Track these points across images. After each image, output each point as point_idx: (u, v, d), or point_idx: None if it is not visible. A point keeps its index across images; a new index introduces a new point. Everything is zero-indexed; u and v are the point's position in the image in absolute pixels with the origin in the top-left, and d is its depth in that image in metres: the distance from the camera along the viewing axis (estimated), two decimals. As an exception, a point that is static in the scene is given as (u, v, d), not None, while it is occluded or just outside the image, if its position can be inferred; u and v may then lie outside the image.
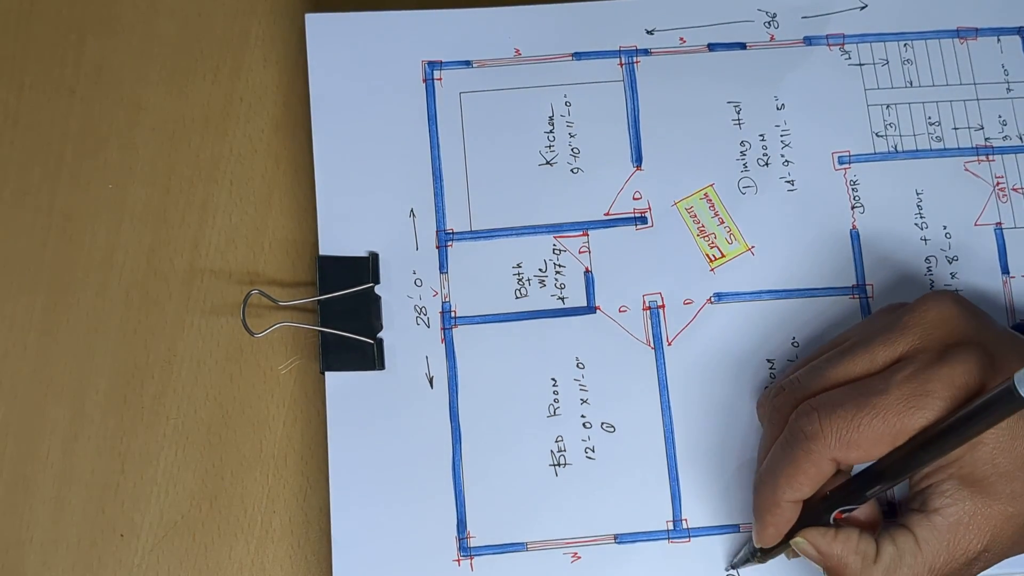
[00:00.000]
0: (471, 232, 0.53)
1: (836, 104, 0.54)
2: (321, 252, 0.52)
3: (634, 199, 0.53)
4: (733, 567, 0.50)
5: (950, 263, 0.53)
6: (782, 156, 0.54)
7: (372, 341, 0.51)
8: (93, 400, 0.53)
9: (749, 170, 0.54)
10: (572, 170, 0.53)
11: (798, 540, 0.45)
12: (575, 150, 0.54)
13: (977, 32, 0.55)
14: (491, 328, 0.52)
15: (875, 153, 0.54)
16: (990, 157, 0.54)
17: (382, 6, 0.55)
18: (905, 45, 0.55)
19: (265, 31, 0.57)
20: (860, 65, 0.55)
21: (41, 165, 0.55)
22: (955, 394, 0.43)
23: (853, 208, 0.53)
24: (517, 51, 0.54)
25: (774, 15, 0.55)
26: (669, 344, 0.52)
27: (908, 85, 0.54)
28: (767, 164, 0.54)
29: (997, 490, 0.43)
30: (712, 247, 0.53)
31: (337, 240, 0.52)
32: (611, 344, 0.52)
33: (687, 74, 0.54)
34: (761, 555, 0.48)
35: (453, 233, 0.53)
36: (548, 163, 0.53)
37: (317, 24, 0.54)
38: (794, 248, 0.53)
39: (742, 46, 0.55)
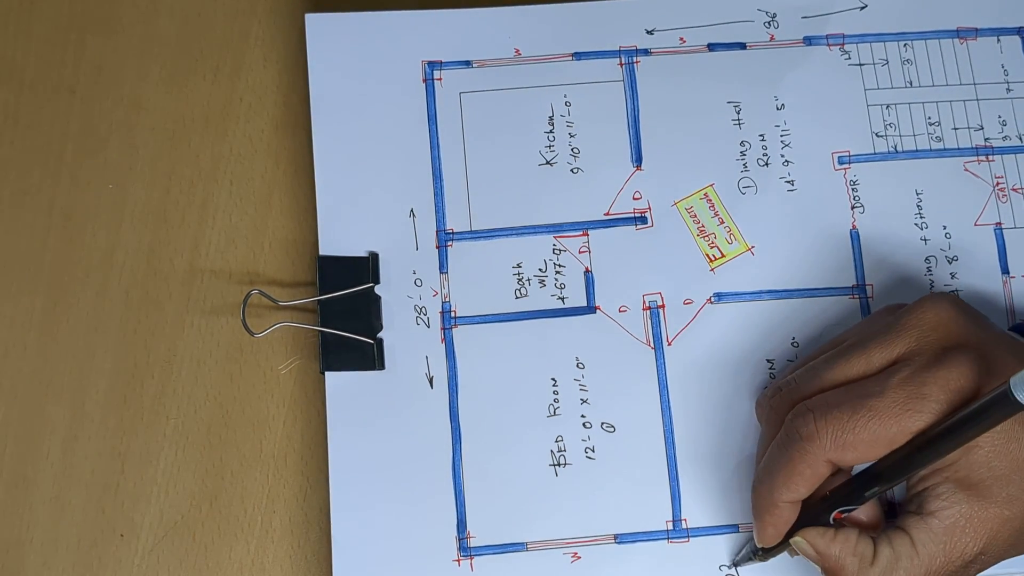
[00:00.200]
0: (471, 232, 0.53)
1: (836, 104, 0.54)
2: (321, 252, 0.52)
3: (634, 199, 0.53)
4: (735, 565, 0.50)
5: (950, 263, 0.53)
6: (782, 156, 0.54)
7: (372, 341, 0.51)
8: (93, 400, 0.53)
9: (749, 170, 0.54)
10: (572, 170, 0.53)
11: (797, 540, 0.45)
12: (575, 150, 0.54)
13: (977, 32, 0.55)
14: (491, 328, 0.52)
15: (875, 153, 0.54)
16: (990, 157, 0.54)
17: (382, 6, 0.55)
18: (905, 45, 0.55)
19: (265, 31, 0.57)
20: (860, 65, 0.55)
21: (41, 165, 0.55)
22: (951, 398, 0.43)
23: (853, 208, 0.53)
24: (517, 51, 0.54)
25: (774, 15, 0.55)
26: (669, 344, 0.52)
27: (908, 85, 0.54)
28: (767, 164, 0.54)
29: (993, 493, 0.43)
30: (712, 247, 0.53)
31: (337, 240, 0.52)
32: (611, 344, 0.52)
33: (687, 74, 0.54)
34: (763, 554, 0.48)
35: (453, 233, 0.53)
36: (548, 163, 0.53)
37: (317, 24, 0.54)
38: (794, 248, 0.53)
39: (742, 46, 0.55)
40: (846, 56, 0.55)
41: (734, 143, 0.54)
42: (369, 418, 0.51)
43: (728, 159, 0.54)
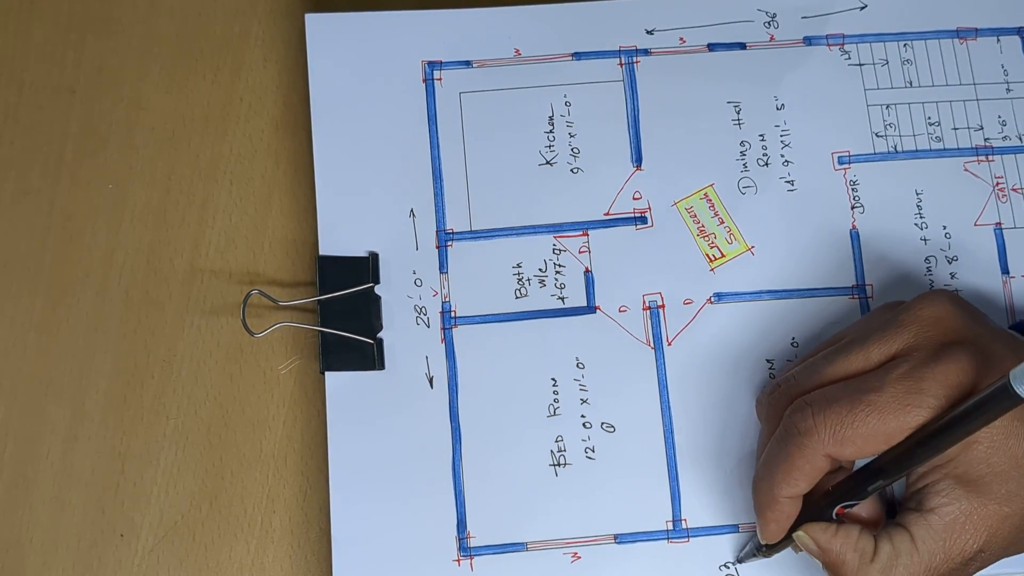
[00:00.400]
0: (471, 232, 0.53)
1: (836, 104, 0.54)
2: (321, 252, 0.52)
3: (634, 199, 0.53)
4: (739, 561, 0.50)
5: (950, 263, 0.53)
6: (782, 156, 0.54)
7: (372, 341, 0.51)
8: (93, 400, 0.53)
9: (749, 170, 0.54)
10: (572, 170, 0.53)
11: (799, 534, 0.46)
12: (575, 150, 0.54)
13: (977, 32, 0.55)
14: (491, 328, 0.52)
15: (875, 153, 0.54)
16: (990, 157, 0.54)
17: (382, 6, 0.55)
18: (905, 45, 0.55)
19: (265, 31, 0.57)
20: (860, 65, 0.55)
21: (41, 165, 0.55)
22: (949, 393, 0.43)
23: (853, 208, 0.53)
24: (517, 51, 0.54)
25: (774, 15, 0.55)
26: (669, 344, 0.52)
27: (908, 85, 0.54)
28: (767, 164, 0.54)
29: (992, 490, 0.43)
30: (712, 247, 0.53)
31: (337, 240, 0.52)
32: (611, 344, 0.52)
33: (687, 74, 0.54)
34: (766, 550, 0.48)
35: (453, 233, 0.53)
36: (548, 163, 0.53)
37: (317, 24, 0.54)
38: (794, 248, 0.53)
39: (742, 46, 0.55)
40: (846, 56, 0.55)
41: (734, 143, 0.54)
42: (369, 418, 0.51)
43: (728, 159, 0.54)
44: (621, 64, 0.54)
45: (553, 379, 0.51)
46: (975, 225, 0.53)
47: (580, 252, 0.53)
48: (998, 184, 0.54)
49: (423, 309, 0.52)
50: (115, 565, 0.52)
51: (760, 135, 0.54)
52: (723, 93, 0.54)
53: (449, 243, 0.53)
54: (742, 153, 0.54)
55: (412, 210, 0.53)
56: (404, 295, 0.52)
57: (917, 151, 0.54)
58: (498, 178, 0.53)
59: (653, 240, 0.53)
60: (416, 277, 0.52)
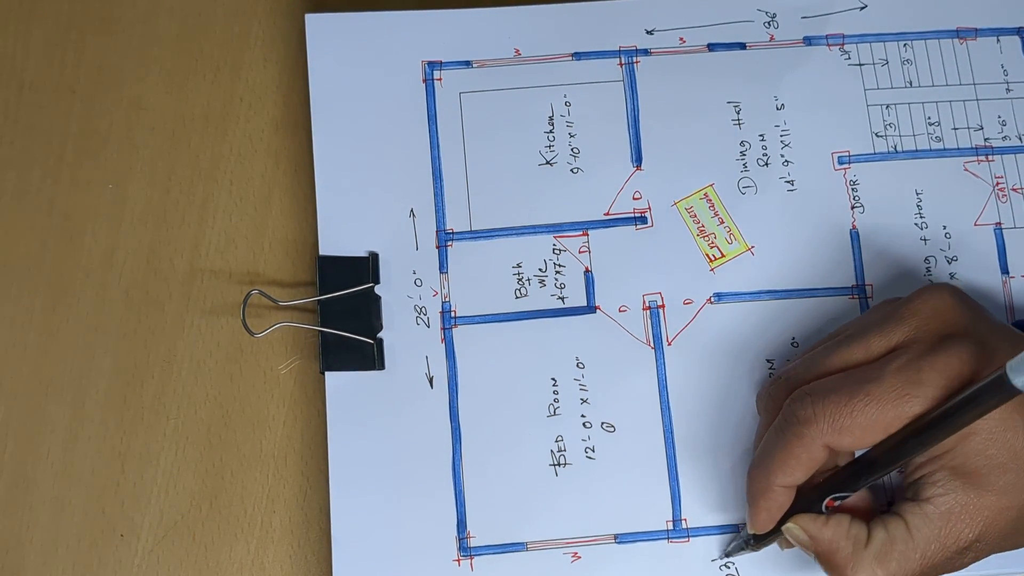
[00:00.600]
0: (471, 232, 0.53)
1: (836, 104, 0.54)
2: (321, 252, 0.52)
3: (634, 199, 0.53)
4: (727, 555, 0.50)
5: (950, 263, 0.53)
6: (782, 156, 0.54)
7: (372, 341, 0.51)
8: (93, 400, 0.53)
9: (749, 170, 0.54)
10: (572, 170, 0.53)
11: (789, 526, 0.46)
12: (575, 150, 0.54)
13: (977, 32, 0.55)
14: (491, 328, 0.52)
15: (875, 153, 0.54)
16: (990, 157, 0.54)
17: (382, 6, 0.55)
18: (905, 45, 0.55)
19: (265, 31, 0.57)
20: (860, 65, 0.55)
21: (41, 165, 0.55)
22: (948, 383, 0.43)
23: (853, 208, 0.53)
24: (517, 51, 0.54)
25: (774, 15, 0.55)
26: (669, 344, 0.52)
27: (908, 85, 0.54)
28: (767, 164, 0.54)
29: (990, 482, 0.43)
30: (712, 247, 0.53)
31: (337, 240, 0.52)
32: (611, 344, 0.52)
33: (687, 74, 0.54)
34: (755, 543, 0.48)
35: (453, 233, 0.53)
36: (548, 163, 0.54)
37: (317, 24, 0.54)
38: (794, 248, 0.53)
39: (742, 46, 0.55)
40: (846, 56, 0.55)
41: (734, 143, 0.54)
42: (369, 418, 0.51)
43: (728, 159, 0.54)
44: (621, 64, 0.54)
45: (553, 379, 0.51)
46: (975, 225, 0.53)
47: (580, 252, 0.53)
48: (998, 184, 0.54)
49: (423, 309, 0.52)
50: (115, 565, 0.52)
51: (760, 135, 0.54)
52: (723, 93, 0.54)
53: (449, 243, 0.53)
54: (742, 153, 0.54)
55: (412, 210, 0.53)
56: (404, 295, 0.52)
57: (917, 151, 0.54)
58: (498, 178, 0.53)
59: (653, 240, 0.53)
60: (416, 277, 0.52)
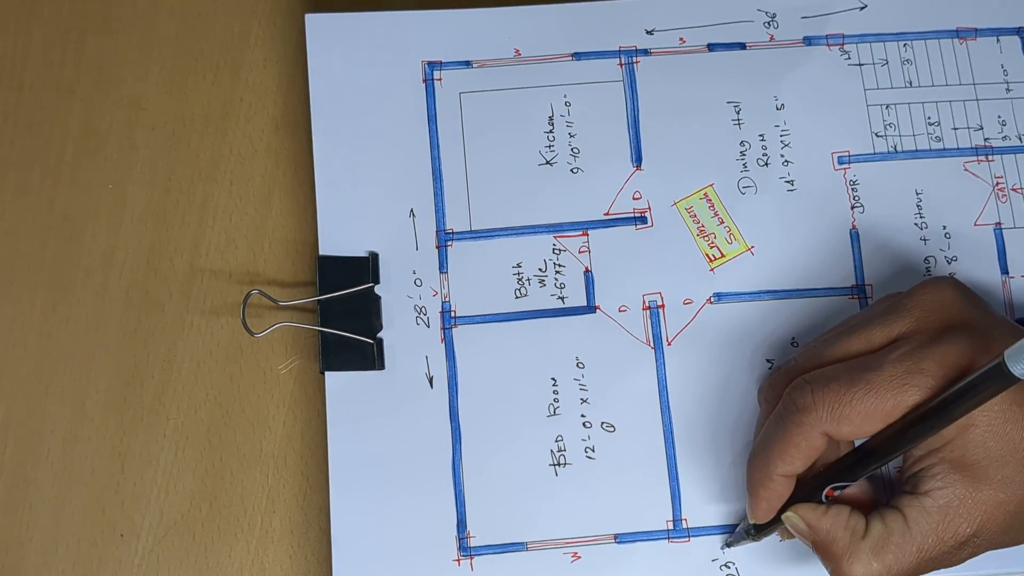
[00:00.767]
0: (471, 232, 0.53)
1: (836, 104, 0.54)
2: (321, 252, 0.52)
3: (634, 199, 0.53)
4: (728, 546, 0.50)
5: (949, 263, 0.53)
6: (782, 156, 0.54)
7: (372, 341, 0.51)
8: (93, 400, 0.53)
9: (749, 170, 0.54)
10: (572, 170, 0.53)
11: (788, 515, 0.46)
12: (575, 150, 0.54)
13: (976, 32, 0.55)
14: (491, 328, 0.52)
15: (875, 153, 0.54)
16: (989, 157, 0.54)
17: (382, 6, 0.55)
18: (905, 45, 0.55)
19: (265, 31, 0.57)
20: (860, 65, 0.55)
21: (41, 165, 0.55)
22: (948, 373, 0.43)
23: (853, 208, 0.53)
24: (517, 51, 0.54)
25: (774, 15, 0.55)
26: (669, 344, 0.52)
27: (908, 85, 0.54)
28: (767, 164, 0.54)
29: (988, 475, 0.43)
30: (712, 247, 0.53)
31: (337, 240, 0.52)
32: (611, 344, 0.52)
33: (687, 74, 0.54)
34: (755, 533, 0.48)
35: (453, 233, 0.53)
36: (548, 163, 0.54)
37: (317, 24, 0.54)
38: (794, 248, 0.53)
39: (742, 46, 0.55)
40: (846, 56, 0.55)
41: (734, 143, 0.54)
42: (369, 418, 0.51)
43: (728, 159, 0.54)
44: (621, 64, 0.54)
45: (553, 379, 0.51)
46: (975, 225, 0.53)
47: (580, 252, 0.53)
48: (998, 184, 0.54)
49: (423, 309, 0.52)
50: (115, 565, 0.52)
51: (760, 135, 0.54)
52: (723, 93, 0.54)
53: (449, 243, 0.53)
54: (742, 153, 0.54)
55: (412, 210, 0.53)
56: (404, 295, 0.52)
57: (917, 151, 0.54)
58: (498, 178, 0.53)
59: (653, 240, 0.53)
60: (416, 277, 0.52)
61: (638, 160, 0.54)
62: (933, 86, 0.55)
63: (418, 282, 0.52)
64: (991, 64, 0.55)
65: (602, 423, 0.51)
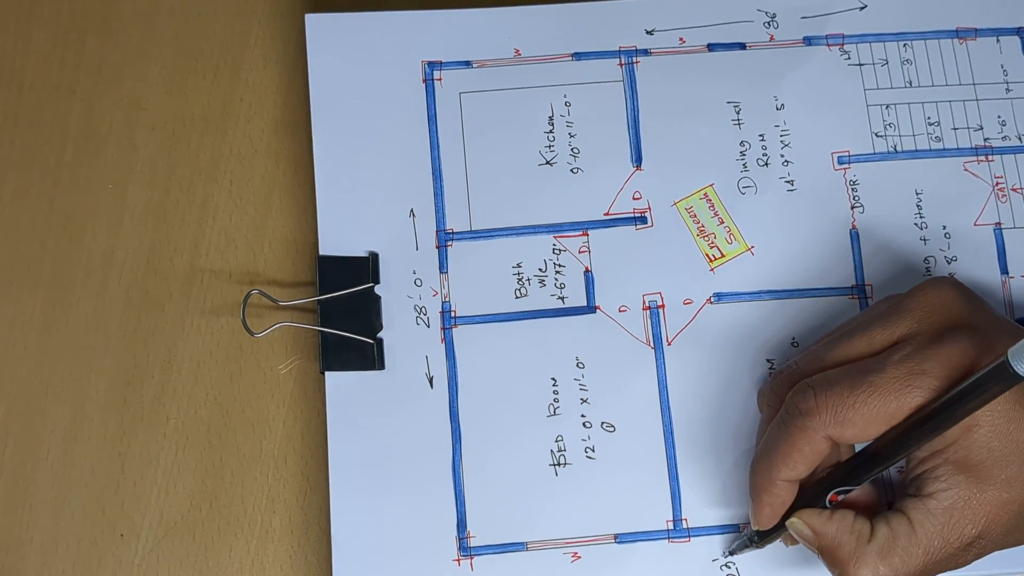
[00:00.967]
0: (471, 232, 0.53)
1: (836, 104, 0.54)
2: (321, 252, 0.52)
3: (634, 199, 0.53)
4: (731, 552, 0.50)
5: (949, 263, 0.53)
6: (782, 156, 0.54)
7: (372, 341, 0.51)
8: (93, 400, 0.53)
9: (749, 170, 0.54)
10: (572, 170, 0.53)
11: (793, 520, 0.45)
12: (575, 150, 0.54)
13: (976, 32, 0.55)
14: (491, 328, 0.52)
15: (875, 153, 0.54)
16: (989, 157, 0.54)
17: (382, 6, 0.55)
18: (904, 45, 0.55)
19: (265, 31, 0.57)
20: (860, 65, 0.55)
21: (41, 165, 0.55)
22: (951, 374, 0.43)
23: (853, 208, 0.53)
24: (517, 51, 0.54)
25: (774, 15, 0.55)
26: (669, 344, 0.52)
27: (908, 85, 0.55)
28: (767, 164, 0.54)
29: (992, 475, 0.43)
30: (712, 247, 0.53)
31: (337, 240, 0.52)
32: (611, 344, 0.52)
33: (687, 74, 0.54)
34: (759, 540, 0.48)
35: (453, 233, 0.53)
36: (548, 163, 0.54)
37: (317, 24, 0.54)
38: (794, 248, 0.53)
39: (742, 46, 0.55)
40: (846, 56, 0.55)
41: (734, 143, 0.54)
42: (369, 418, 0.51)
43: (728, 159, 0.54)
44: (621, 64, 0.54)
45: (553, 379, 0.51)
46: (975, 225, 0.53)
47: (580, 252, 0.53)
48: (998, 184, 0.54)
49: (423, 309, 0.52)
50: (115, 565, 0.52)
51: (760, 135, 0.54)
52: (723, 93, 0.54)
53: (449, 243, 0.53)
54: (742, 153, 0.54)
55: (412, 210, 0.53)
56: (404, 295, 0.52)
57: (917, 151, 0.54)
58: (498, 178, 0.53)
59: (653, 240, 0.53)
60: (416, 277, 0.52)
61: (638, 160, 0.54)
62: (933, 86, 0.55)
63: (418, 282, 0.52)
64: (991, 64, 0.55)
65: (602, 423, 0.51)
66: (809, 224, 0.53)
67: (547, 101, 0.54)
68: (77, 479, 0.52)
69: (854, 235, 0.53)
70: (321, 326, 0.51)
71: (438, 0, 0.55)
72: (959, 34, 0.55)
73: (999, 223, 0.53)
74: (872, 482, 0.46)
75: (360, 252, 0.52)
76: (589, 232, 0.53)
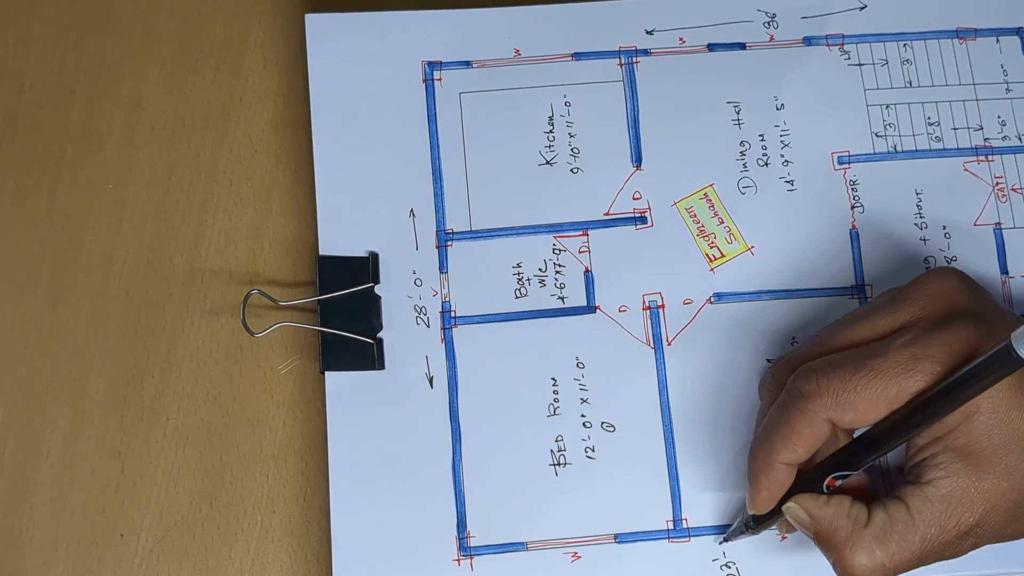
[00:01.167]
0: (471, 232, 0.53)
1: (836, 104, 0.54)
2: (321, 252, 0.52)
3: (634, 199, 0.53)
4: (726, 539, 0.50)
5: (949, 263, 0.53)
6: (782, 156, 0.54)
7: (372, 341, 0.51)
8: (93, 400, 0.53)
9: (749, 170, 0.54)
10: (572, 170, 0.53)
11: (790, 505, 0.45)
12: (575, 150, 0.54)
13: (976, 32, 0.55)
14: (491, 328, 0.52)
15: (875, 153, 0.54)
16: (989, 157, 0.54)
17: (382, 6, 0.55)
18: (904, 45, 0.55)
19: (265, 31, 0.57)
20: (860, 65, 0.55)
21: (41, 165, 0.55)
22: (952, 360, 0.43)
23: (853, 208, 0.53)
24: (517, 51, 0.54)
25: (774, 15, 0.55)
26: (669, 344, 0.52)
27: (908, 85, 0.55)
28: (767, 164, 0.54)
29: (992, 463, 0.43)
30: (712, 247, 0.53)
31: (337, 240, 0.52)
32: (611, 344, 0.52)
33: (687, 74, 0.54)
34: (754, 526, 0.48)
35: (453, 233, 0.53)
36: (548, 163, 0.54)
37: (317, 24, 0.54)
38: (794, 248, 0.53)
39: (742, 46, 0.55)
40: (846, 56, 0.55)
41: (734, 143, 0.54)
42: (369, 418, 0.51)
43: (728, 159, 0.54)
44: (621, 64, 0.54)
45: (553, 379, 0.51)
46: (975, 225, 0.53)
47: (580, 252, 0.53)
48: (998, 184, 0.54)
49: (423, 309, 0.52)
50: (115, 565, 0.52)
51: (760, 135, 0.54)
52: (723, 93, 0.54)
53: (449, 243, 0.53)
54: (742, 153, 0.54)
55: (412, 210, 0.53)
56: (404, 295, 0.52)
57: (917, 151, 0.54)
58: (498, 178, 0.53)
59: (653, 240, 0.53)
60: (416, 277, 0.52)
61: (638, 160, 0.54)
62: (933, 86, 0.55)
63: (418, 282, 0.52)
64: (991, 64, 0.55)
65: (602, 423, 0.51)
66: (809, 224, 0.53)
67: (547, 101, 0.54)
68: (77, 479, 0.52)
69: (854, 235, 0.53)
70: (321, 326, 0.51)
71: (438, 0, 0.55)
72: (959, 34, 0.55)
73: (999, 223, 0.53)
74: (870, 471, 0.46)
75: (360, 252, 0.52)
76: (589, 232, 0.53)
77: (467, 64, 0.54)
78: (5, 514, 0.52)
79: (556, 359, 0.52)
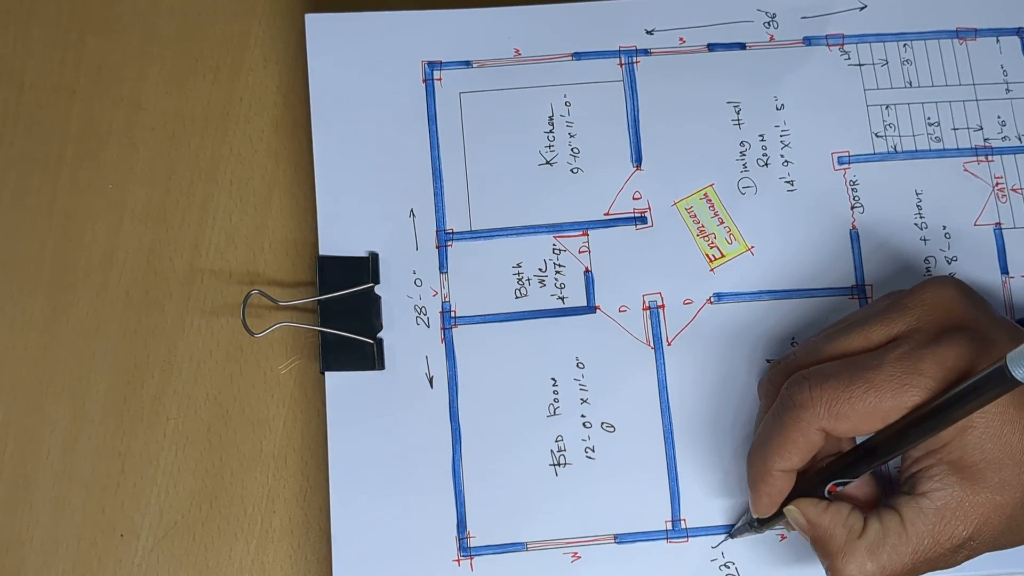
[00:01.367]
0: (471, 232, 0.53)
1: (836, 104, 0.54)
2: (321, 252, 0.52)
3: (634, 199, 0.53)
4: (731, 536, 0.50)
5: (949, 263, 0.53)
6: (782, 156, 0.54)
7: (372, 341, 0.51)
8: (93, 400, 0.53)
9: (749, 170, 0.54)
10: (572, 170, 0.53)
11: (790, 508, 0.46)
12: (575, 150, 0.54)
13: (976, 33, 0.55)
14: (491, 328, 0.52)
15: (875, 153, 0.54)
16: (989, 157, 0.54)
17: (382, 6, 0.55)
18: (904, 45, 0.55)
19: (265, 31, 0.57)
20: (860, 65, 0.55)
21: (41, 165, 0.55)
22: (947, 375, 0.43)
23: (853, 208, 0.53)
24: (517, 51, 0.54)
25: (774, 15, 0.55)
26: (669, 344, 0.52)
27: (907, 85, 0.55)
28: (767, 164, 0.54)
29: (986, 478, 0.43)
30: (712, 247, 0.53)
31: (337, 240, 0.52)
32: (611, 344, 0.52)
33: (687, 74, 0.54)
34: (758, 525, 0.48)
35: (453, 233, 0.53)
36: (548, 163, 0.54)
37: (317, 24, 0.54)
38: (794, 248, 0.53)
39: (742, 46, 0.55)
40: (846, 56, 0.55)
41: (734, 143, 0.54)
42: (369, 418, 0.51)
43: (728, 159, 0.54)
44: (621, 64, 0.54)
45: (553, 379, 0.52)
46: (975, 225, 0.53)
47: (580, 252, 0.53)
48: (998, 184, 0.54)
49: (423, 309, 0.52)
50: (115, 565, 0.52)
51: (760, 135, 0.54)
52: (723, 93, 0.54)
53: (449, 243, 0.53)
54: (742, 153, 0.54)
55: (412, 210, 0.53)
56: (404, 295, 0.52)
57: (917, 151, 0.54)
58: (498, 178, 0.53)
59: (653, 240, 0.53)
60: (416, 277, 0.52)
61: (638, 160, 0.54)
62: (933, 86, 0.55)
63: (418, 282, 0.52)
64: (991, 64, 0.55)
65: (602, 423, 0.51)
66: (809, 224, 0.53)
67: (547, 101, 0.54)
68: (77, 479, 0.52)
69: (854, 235, 0.53)
70: (321, 326, 0.51)
71: (438, 0, 0.55)
72: (959, 34, 0.55)
73: (999, 223, 0.53)
74: (875, 477, 0.46)
75: (360, 252, 0.52)
76: (589, 232, 0.53)
77: (467, 64, 0.54)
78: (5, 514, 0.52)
79: (556, 359, 0.52)
